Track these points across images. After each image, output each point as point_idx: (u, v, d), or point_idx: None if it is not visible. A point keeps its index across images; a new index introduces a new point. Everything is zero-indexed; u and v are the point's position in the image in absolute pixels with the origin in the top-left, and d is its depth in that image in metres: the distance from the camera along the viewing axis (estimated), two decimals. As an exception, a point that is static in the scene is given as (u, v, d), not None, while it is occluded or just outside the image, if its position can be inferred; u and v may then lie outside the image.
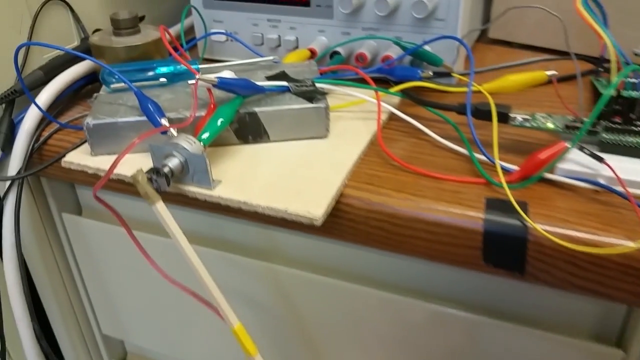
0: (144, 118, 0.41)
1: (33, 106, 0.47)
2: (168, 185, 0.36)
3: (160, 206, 0.35)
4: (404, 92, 0.46)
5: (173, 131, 0.39)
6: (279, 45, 0.56)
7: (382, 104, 0.45)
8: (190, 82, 0.40)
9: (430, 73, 0.47)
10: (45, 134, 0.48)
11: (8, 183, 0.48)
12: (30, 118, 0.48)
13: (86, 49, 0.52)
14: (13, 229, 0.48)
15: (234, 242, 0.49)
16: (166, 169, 0.36)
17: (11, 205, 0.48)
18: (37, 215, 0.55)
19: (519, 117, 0.41)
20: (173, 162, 0.37)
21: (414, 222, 0.37)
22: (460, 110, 0.42)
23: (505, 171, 0.39)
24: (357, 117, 0.47)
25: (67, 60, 0.51)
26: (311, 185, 0.38)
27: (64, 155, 0.44)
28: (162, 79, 0.45)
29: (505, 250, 0.36)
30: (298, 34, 0.55)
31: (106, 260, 0.58)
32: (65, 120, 0.50)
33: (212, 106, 0.41)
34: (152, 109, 0.40)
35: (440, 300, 0.43)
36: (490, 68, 0.48)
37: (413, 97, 0.45)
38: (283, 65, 0.49)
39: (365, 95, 0.46)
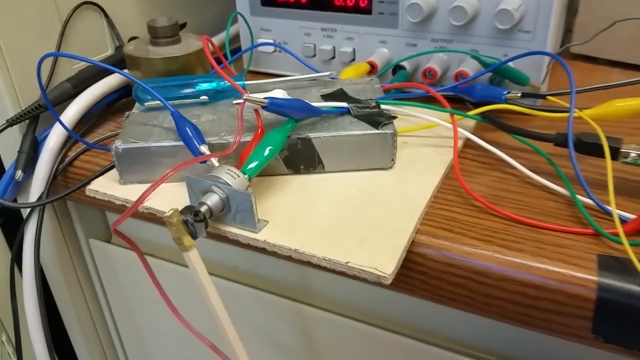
0: (180, 143, 0.35)
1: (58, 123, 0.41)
2: (206, 228, 0.29)
3: (194, 255, 0.29)
4: (486, 116, 0.39)
5: (214, 161, 0.33)
6: (333, 58, 0.50)
7: (458, 129, 0.38)
8: (235, 102, 0.34)
9: (518, 94, 0.39)
10: (72, 154, 0.43)
11: (29, 209, 0.43)
12: (55, 136, 0.42)
13: (120, 59, 0.47)
14: (33, 260, 0.43)
15: (268, 278, 0.43)
16: (204, 208, 0.30)
17: (31, 235, 0.43)
18: (63, 241, 0.50)
19: (633, 153, 0.33)
20: (212, 200, 0.30)
21: (506, 281, 0.30)
22: (559, 141, 0.35)
23: (621, 221, 0.31)
24: (426, 143, 0.40)
25: (99, 72, 0.46)
26: (377, 230, 0.31)
27: (89, 182, 0.38)
28: (203, 97, 0.39)
29: (622, 323, 0.28)
30: (355, 45, 0.48)
31: (136, 290, 0.52)
32: (95, 139, 0.44)
33: (259, 131, 0.34)
34: (190, 134, 0.34)
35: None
36: (584, 89, 0.41)
37: (498, 123, 0.38)
38: (341, 82, 0.42)
39: (436, 118, 0.39)
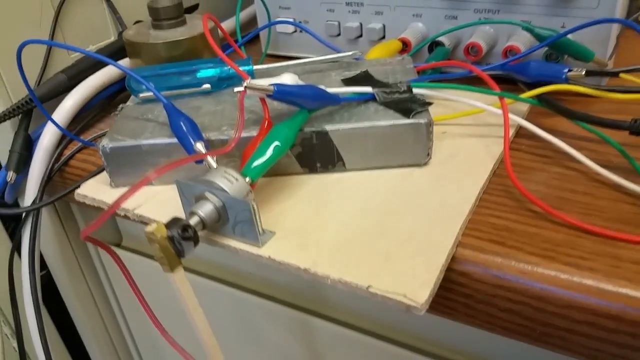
0: (175, 140, 0.30)
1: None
2: (195, 245, 0.24)
3: (179, 277, 0.23)
4: (543, 99, 0.32)
5: (211, 161, 0.27)
6: (360, 36, 0.44)
7: (510, 115, 0.31)
8: (235, 90, 0.28)
9: (581, 71, 0.32)
10: (68, 152, 0.39)
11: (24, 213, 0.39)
12: (49, 134, 0.38)
13: (122, 47, 0.42)
14: (28, 265, 0.39)
15: (277, 285, 0.38)
16: (194, 220, 0.25)
17: (27, 240, 0.39)
18: (68, 245, 0.46)
19: None
20: (205, 209, 0.25)
21: (572, 309, 0.24)
22: (635, 129, 0.28)
23: None
24: (470, 133, 0.34)
25: (98, 61, 0.41)
26: (407, 245, 0.25)
27: (79, 185, 0.33)
28: (206, 86, 0.34)
29: None
30: (385, 20, 0.42)
31: (150, 297, 0.48)
32: (93, 135, 0.40)
33: (266, 124, 0.29)
34: (185, 129, 0.29)
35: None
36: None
37: (558, 107, 0.31)
38: (366, 63, 0.36)
39: (481, 103, 0.32)
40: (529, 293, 0.24)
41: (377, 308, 0.36)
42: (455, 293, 0.26)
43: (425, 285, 0.23)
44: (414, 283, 0.23)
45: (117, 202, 0.23)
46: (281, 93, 0.27)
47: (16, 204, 0.42)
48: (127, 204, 0.30)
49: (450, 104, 0.36)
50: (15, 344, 0.42)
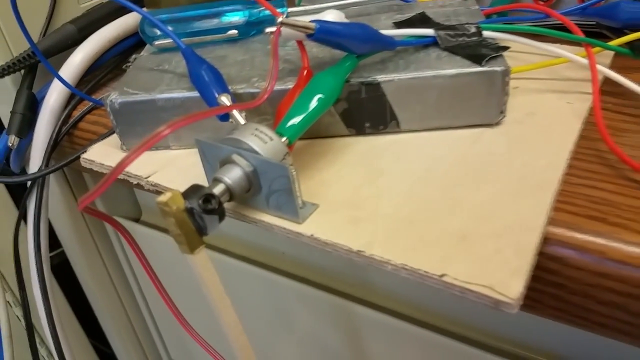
0: (196, 94, 0.25)
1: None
2: (220, 220, 0.19)
3: (200, 259, 0.19)
4: (637, 47, 0.27)
5: (238, 116, 0.22)
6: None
7: (598, 67, 0.26)
8: (268, 30, 0.23)
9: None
10: (77, 113, 0.34)
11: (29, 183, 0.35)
12: (56, 92, 0.34)
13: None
14: (33, 243, 0.34)
15: (315, 267, 0.33)
16: (219, 189, 0.20)
17: (32, 212, 0.35)
18: (82, 220, 0.42)
19: None
20: (233, 175, 0.20)
21: None
22: None
23: None
24: (547, 88, 0.28)
25: (112, 11, 0.37)
26: (486, 222, 0.20)
27: (86, 150, 0.29)
28: (232, 32, 0.29)
29: None
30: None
31: (170, 276, 0.44)
32: (107, 93, 0.35)
33: (305, 73, 0.24)
34: (206, 78, 0.24)
35: None
36: None
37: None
38: (421, 5, 0.30)
39: (564, 51, 0.27)
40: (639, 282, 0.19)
41: (428, 294, 0.31)
42: (543, 282, 0.21)
43: (517, 274, 0.18)
44: (502, 271, 0.18)
45: (121, 166, 0.18)
46: (325, 32, 0.22)
47: (24, 173, 0.38)
48: (141, 170, 0.26)
49: (518, 56, 0.31)
50: (24, 325, 0.38)
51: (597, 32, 0.30)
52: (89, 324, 0.49)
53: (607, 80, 0.27)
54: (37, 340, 0.42)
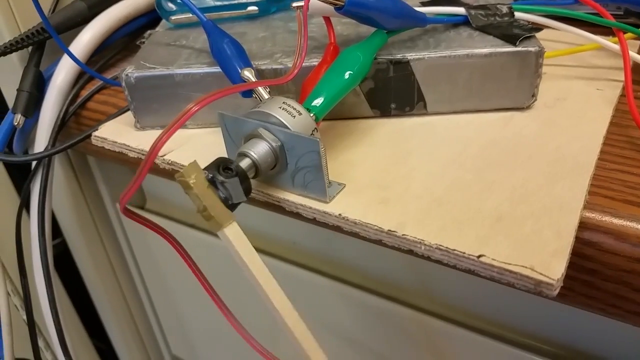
0: (217, 69, 0.24)
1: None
2: (247, 194, 0.18)
3: (233, 233, 0.18)
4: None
5: (263, 92, 0.21)
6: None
7: (630, 53, 0.25)
8: (295, 4, 0.22)
9: None
10: (85, 93, 0.33)
11: (34, 163, 0.34)
12: (64, 70, 0.33)
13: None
14: (38, 228, 0.33)
15: (351, 264, 0.32)
16: (245, 163, 0.19)
17: (37, 196, 0.33)
18: (85, 207, 0.41)
19: None
20: (258, 149, 0.19)
21: None
22: None
23: None
24: (575, 74, 0.27)
25: (123, -11, 0.36)
26: (522, 203, 0.19)
27: (97, 128, 0.28)
28: (252, 8, 0.28)
29: None
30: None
31: (175, 268, 0.43)
32: (115, 73, 0.34)
33: (332, 48, 0.23)
34: (228, 52, 0.23)
35: None
36: None
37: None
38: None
39: (593, 35, 0.26)
40: (685, 271, 0.18)
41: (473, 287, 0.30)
42: (575, 268, 0.20)
43: (557, 255, 0.17)
44: (542, 252, 0.17)
45: (158, 145, 0.17)
46: (355, 4, 0.21)
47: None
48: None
49: (543, 43, 0.30)
50: (24, 316, 0.37)
51: (623, 21, 0.30)
52: (88, 320, 0.47)
53: (635, 68, 0.26)
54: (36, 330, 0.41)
